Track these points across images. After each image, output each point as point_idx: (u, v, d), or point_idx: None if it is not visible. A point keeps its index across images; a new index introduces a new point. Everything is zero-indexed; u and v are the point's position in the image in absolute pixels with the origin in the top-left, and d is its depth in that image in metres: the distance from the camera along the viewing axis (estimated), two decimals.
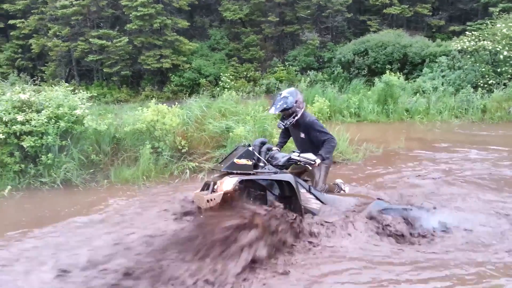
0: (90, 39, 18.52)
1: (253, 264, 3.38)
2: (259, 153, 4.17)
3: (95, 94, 10.76)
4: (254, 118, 7.74)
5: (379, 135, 10.17)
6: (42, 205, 5.72)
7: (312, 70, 19.60)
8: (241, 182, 3.83)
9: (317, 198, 4.29)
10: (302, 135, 4.56)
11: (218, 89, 13.97)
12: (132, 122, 7.14)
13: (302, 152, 4.23)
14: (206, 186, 4.27)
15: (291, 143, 5.40)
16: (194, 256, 3.31)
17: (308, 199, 4.23)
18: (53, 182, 6.31)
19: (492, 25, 14.92)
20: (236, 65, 20.98)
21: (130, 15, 18.72)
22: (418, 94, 13.45)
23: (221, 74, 18.39)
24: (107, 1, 19.56)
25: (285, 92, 4.45)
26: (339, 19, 21.89)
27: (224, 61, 20.98)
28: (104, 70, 19.46)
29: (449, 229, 4.11)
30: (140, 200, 5.70)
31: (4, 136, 6.26)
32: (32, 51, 20.30)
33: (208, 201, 3.70)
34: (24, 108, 6.60)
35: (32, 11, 20.35)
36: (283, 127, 4.57)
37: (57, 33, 19.29)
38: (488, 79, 13.71)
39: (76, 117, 6.73)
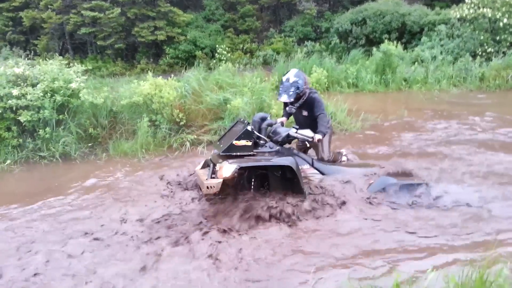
0: (83, 12, 18.11)
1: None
2: (259, 129, 4.15)
3: (90, 68, 10.62)
4: (251, 89, 7.68)
5: (378, 105, 10.14)
6: (42, 178, 5.75)
7: (309, 41, 19.29)
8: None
9: (321, 172, 4.32)
10: (305, 113, 4.57)
11: (214, 61, 13.80)
12: (128, 96, 7.08)
13: (300, 128, 4.21)
14: (206, 165, 4.29)
15: None
16: None
17: (312, 175, 4.26)
18: (52, 156, 6.32)
19: None
20: (232, 36, 20.60)
21: None
22: (416, 63, 13.32)
23: (217, 46, 18.08)
24: None
25: (292, 76, 4.37)
26: None
27: (220, 33, 20.60)
28: (98, 43, 19.12)
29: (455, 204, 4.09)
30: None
31: (0, 111, 6.22)
32: (23, 24, 19.86)
33: (208, 187, 3.77)
34: (19, 82, 6.53)
35: None
36: (294, 110, 4.57)
37: (48, 6, 18.84)
38: (487, 47, 13.58)
39: (72, 91, 6.67)
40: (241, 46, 20.09)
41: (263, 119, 4.25)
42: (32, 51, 13.88)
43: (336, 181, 4.24)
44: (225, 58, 13.87)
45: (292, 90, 4.32)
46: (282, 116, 4.87)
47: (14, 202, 4.71)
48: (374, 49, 13.78)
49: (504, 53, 13.09)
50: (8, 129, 6.34)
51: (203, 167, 4.39)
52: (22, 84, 6.50)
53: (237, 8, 21.32)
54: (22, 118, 6.20)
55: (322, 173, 4.31)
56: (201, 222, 3.79)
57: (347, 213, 3.92)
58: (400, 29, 17.48)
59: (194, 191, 4.44)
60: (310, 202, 3.93)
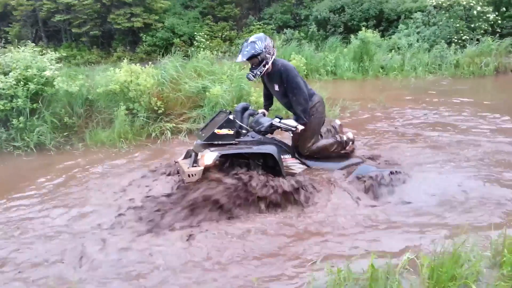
0: None
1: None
2: (241, 119, 4.12)
3: (64, 55, 10.37)
4: (230, 77, 7.65)
5: (356, 92, 10.25)
6: (16, 169, 5.63)
7: (288, 28, 19.23)
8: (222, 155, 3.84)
9: (303, 163, 4.32)
10: (276, 87, 4.21)
11: (193, 49, 13.65)
12: (104, 83, 6.95)
13: (288, 108, 4.16)
14: (188, 155, 4.27)
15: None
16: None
17: (293, 164, 4.26)
18: (26, 146, 6.19)
19: None
20: (211, 23, 20.38)
21: None
22: (393, 51, 13.49)
23: (196, 33, 17.87)
24: None
25: (252, 37, 4.01)
26: None
27: (199, 20, 20.34)
28: (73, 30, 18.65)
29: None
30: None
31: None
32: None
33: (189, 175, 3.76)
34: None
35: None
36: (253, 78, 4.04)
37: None
38: (462, 34, 13.83)
39: (46, 79, 6.52)
40: (220, 34, 19.90)
41: (245, 109, 4.24)
42: (3, 39, 13.43)
43: (316, 171, 4.28)
44: (203, 46, 13.73)
45: (247, 49, 3.91)
46: (263, 107, 4.72)
47: None
48: (352, 36, 13.88)
49: (478, 40, 13.36)
50: None
51: (185, 157, 4.37)
52: None
53: None
54: None
55: (305, 164, 4.33)
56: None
57: (325, 201, 3.95)
58: (378, 17, 17.61)
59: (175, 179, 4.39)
60: (291, 190, 3.95)
